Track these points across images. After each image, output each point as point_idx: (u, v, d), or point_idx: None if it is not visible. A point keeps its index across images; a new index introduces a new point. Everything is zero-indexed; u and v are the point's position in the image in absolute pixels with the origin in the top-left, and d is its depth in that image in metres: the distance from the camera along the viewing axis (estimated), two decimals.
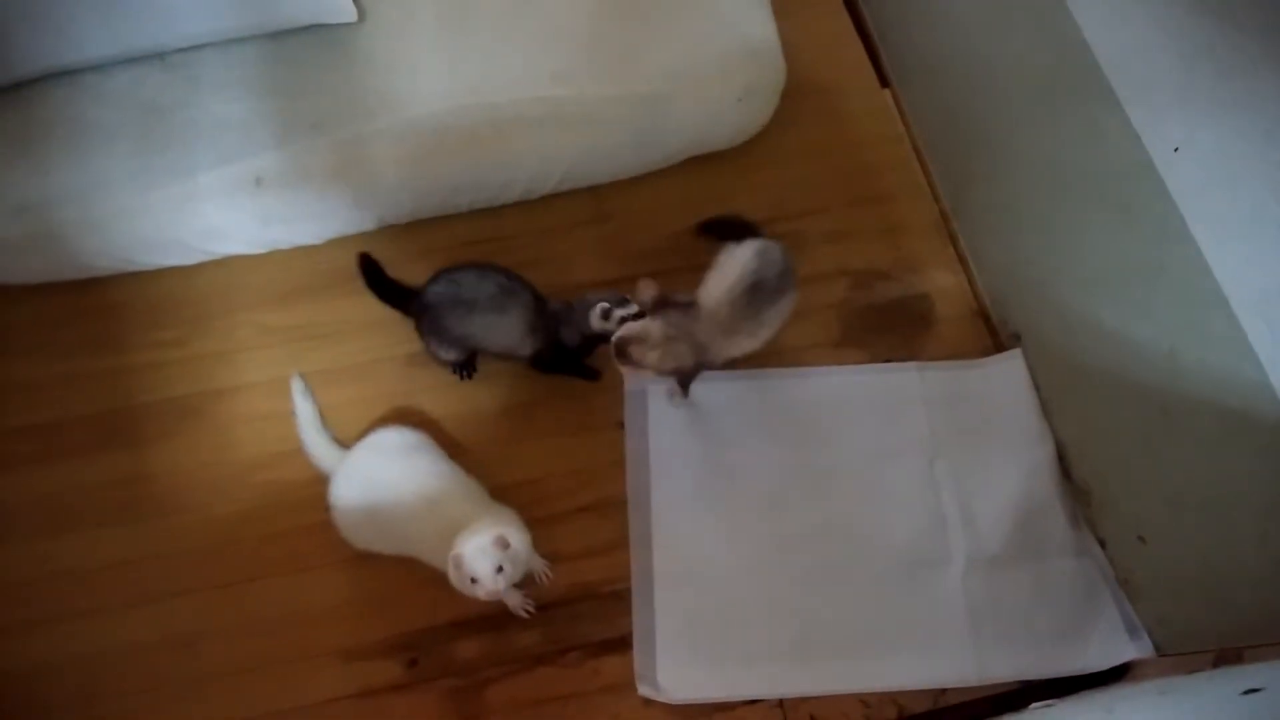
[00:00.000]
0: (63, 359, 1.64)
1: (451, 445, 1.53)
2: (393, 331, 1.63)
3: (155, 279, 1.69)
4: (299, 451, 1.52)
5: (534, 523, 1.37)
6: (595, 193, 1.75)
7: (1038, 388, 1.61)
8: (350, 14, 1.58)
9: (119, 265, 1.65)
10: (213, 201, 1.56)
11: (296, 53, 1.60)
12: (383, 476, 1.40)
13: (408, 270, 1.70)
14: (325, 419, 1.55)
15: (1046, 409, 1.60)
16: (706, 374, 1.62)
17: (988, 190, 1.70)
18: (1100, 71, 1.28)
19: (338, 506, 1.42)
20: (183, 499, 1.54)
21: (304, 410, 1.54)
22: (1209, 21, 1.16)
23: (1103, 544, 1.50)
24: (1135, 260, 1.32)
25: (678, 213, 1.74)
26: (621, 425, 1.59)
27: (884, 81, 1.97)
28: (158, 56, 1.59)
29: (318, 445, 1.50)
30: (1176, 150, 1.20)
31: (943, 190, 1.84)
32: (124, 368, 1.64)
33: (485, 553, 1.23)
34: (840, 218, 1.79)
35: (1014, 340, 1.66)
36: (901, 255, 1.77)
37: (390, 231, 1.72)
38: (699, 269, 1.70)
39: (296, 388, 1.56)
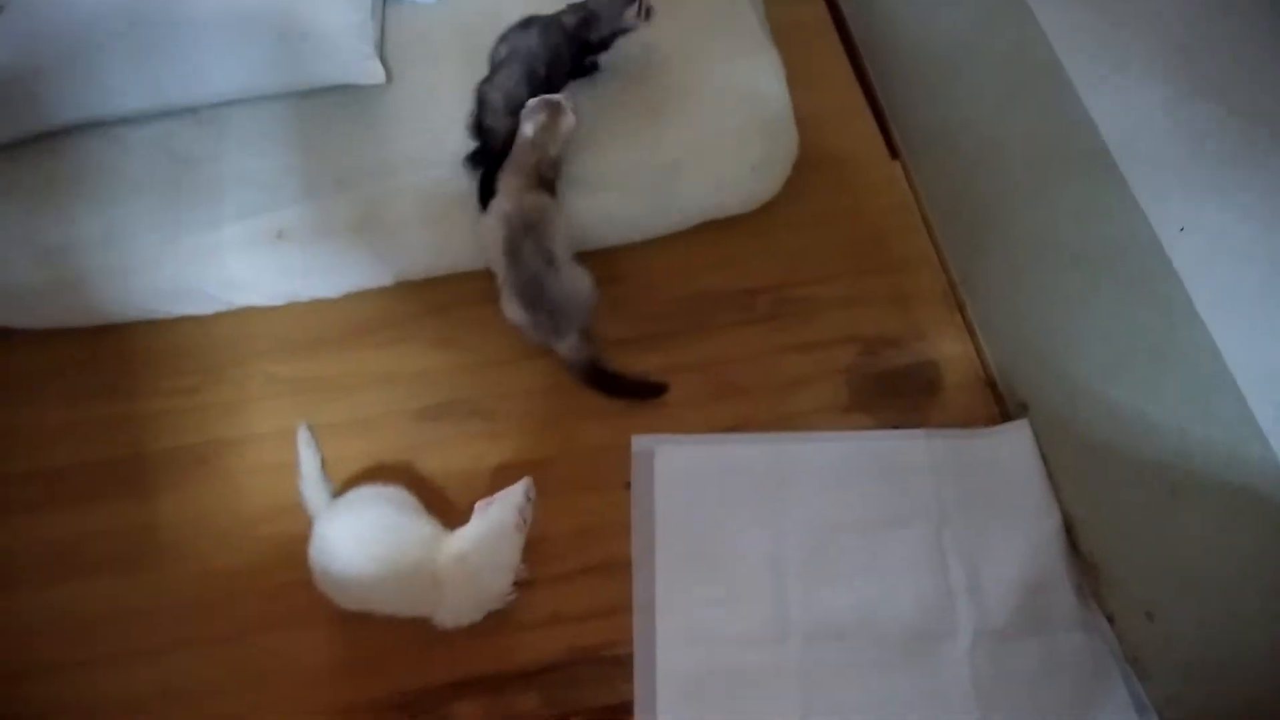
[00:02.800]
0: (74, 404, 1.65)
1: (457, 503, 1.52)
2: (405, 386, 1.65)
3: (171, 327, 1.71)
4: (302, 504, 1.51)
5: (538, 582, 1.36)
6: (608, 255, 1.77)
7: (1045, 458, 1.61)
8: (379, 77, 1.63)
9: (138, 313, 1.67)
10: (235, 253, 1.59)
11: (324, 111, 1.65)
12: (343, 543, 1.37)
13: (420, 325, 1.72)
14: (330, 472, 1.55)
15: (1054, 480, 1.59)
16: (713, 437, 1.63)
17: (996, 261, 1.72)
18: (1106, 150, 1.30)
19: (314, 570, 1.39)
20: (184, 549, 1.53)
21: (306, 462, 1.52)
22: (1213, 105, 1.19)
23: (1110, 619, 1.48)
24: (1142, 336, 1.33)
25: (688, 276, 1.78)
26: (629, 486, 1.59)
27: (894, 153, 2.01)
28: (189, 110, 1.64)
29: (314, 499, 1.47)
30: (1182, 230, 1.21)
31: (951, 260, 1.86)
32: (134, 415, 1.64)
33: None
34: (850, 285, 1.81)
35: (1021, 410, 1.67)
36: (910, 323, 1.78)
37: (405, 287, 1.74)
38: (706, 330, 1.73)
39: (301, 438, 1.56)
